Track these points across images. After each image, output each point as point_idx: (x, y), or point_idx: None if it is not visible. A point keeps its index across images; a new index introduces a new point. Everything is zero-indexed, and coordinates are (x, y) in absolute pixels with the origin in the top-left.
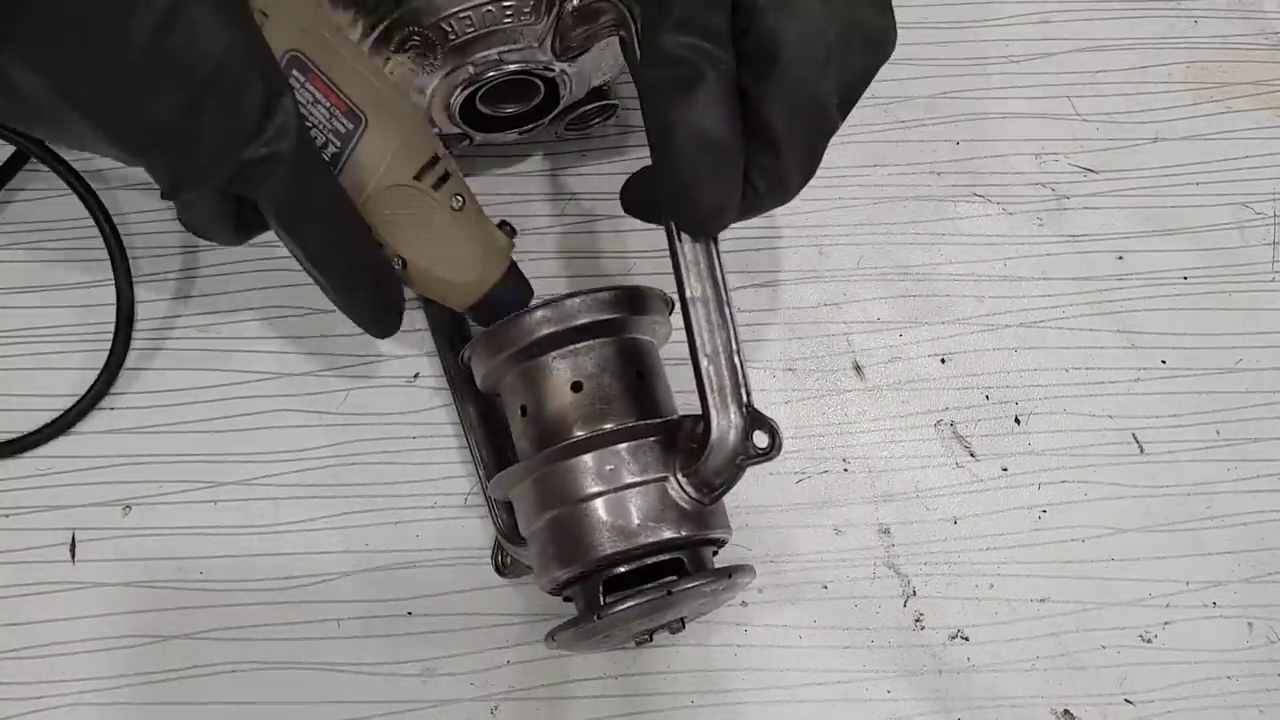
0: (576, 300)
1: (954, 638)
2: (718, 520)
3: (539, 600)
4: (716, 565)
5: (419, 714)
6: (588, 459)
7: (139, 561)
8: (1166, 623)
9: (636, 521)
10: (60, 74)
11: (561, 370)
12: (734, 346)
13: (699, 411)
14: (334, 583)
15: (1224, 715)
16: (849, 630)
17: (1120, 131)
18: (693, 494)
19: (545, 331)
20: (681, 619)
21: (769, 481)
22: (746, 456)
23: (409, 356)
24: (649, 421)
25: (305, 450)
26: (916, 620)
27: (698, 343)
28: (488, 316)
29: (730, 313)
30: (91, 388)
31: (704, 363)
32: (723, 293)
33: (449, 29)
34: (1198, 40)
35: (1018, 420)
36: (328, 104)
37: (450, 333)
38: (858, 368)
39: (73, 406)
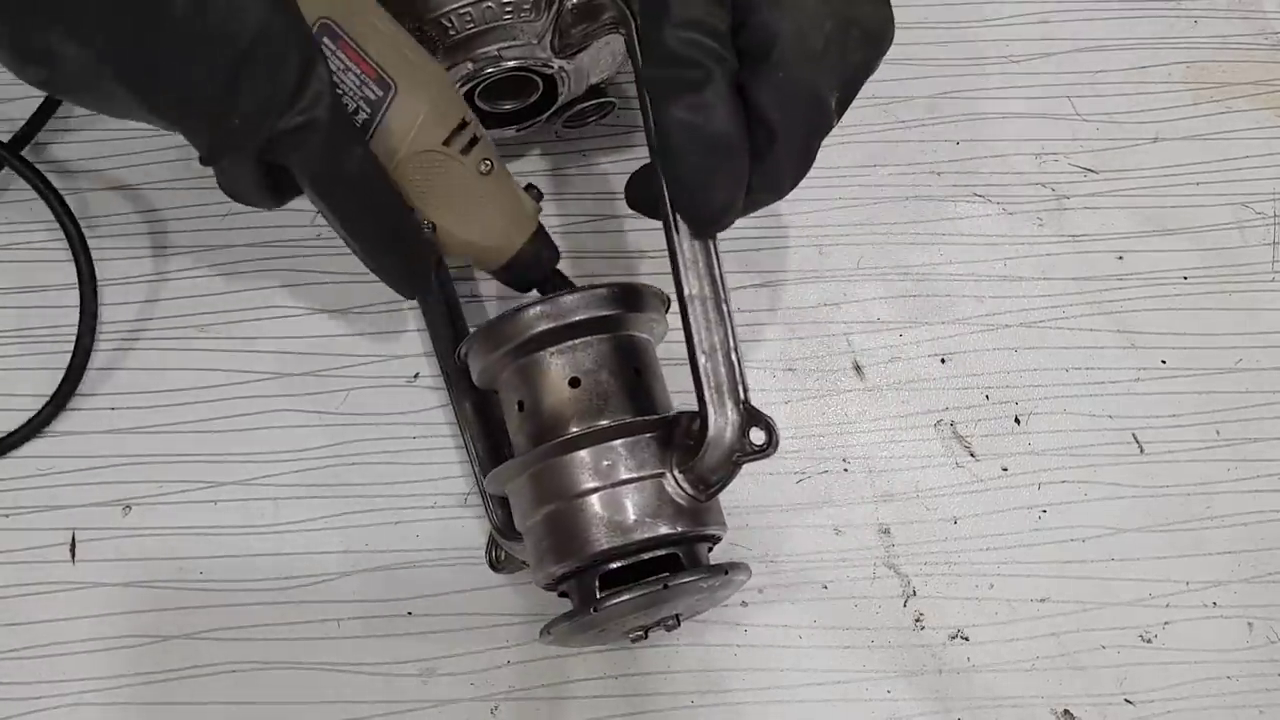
0: (575, 297)
1: (954, 638)
2: (713, 517)
3: (539, 600)
4: (712, 563)
5: (419, 714)
6: (585, 454)
7: (139, 561)
8: (1166, 623)
9: (633, 517)
10: (102, 46)
11: (559, 366)
12: (731, 344)
13: (694, 409)
14: (334, 583)
15: (1224, 715)
16: (849, 630)
17: (1120, 131)
18: (689, 490)
19: (543, 327)
20: (676, 616)
21: (769, 481)
22: (743, 453)
23: (409, 356)
24: (646, 418)
25: (305, 450)
26: (916, 620)
27: (696, 340)
28: (515, 278)
29: (728, 311)
30: (59, 389)
31: (702, 360)
32: (721, 291)
33: (449, 24)
34: (1198, 40)
35: (1018, 420)
36: (358, 71)
37: (448, 330)
38: (858, 368)
39: (41, 409)
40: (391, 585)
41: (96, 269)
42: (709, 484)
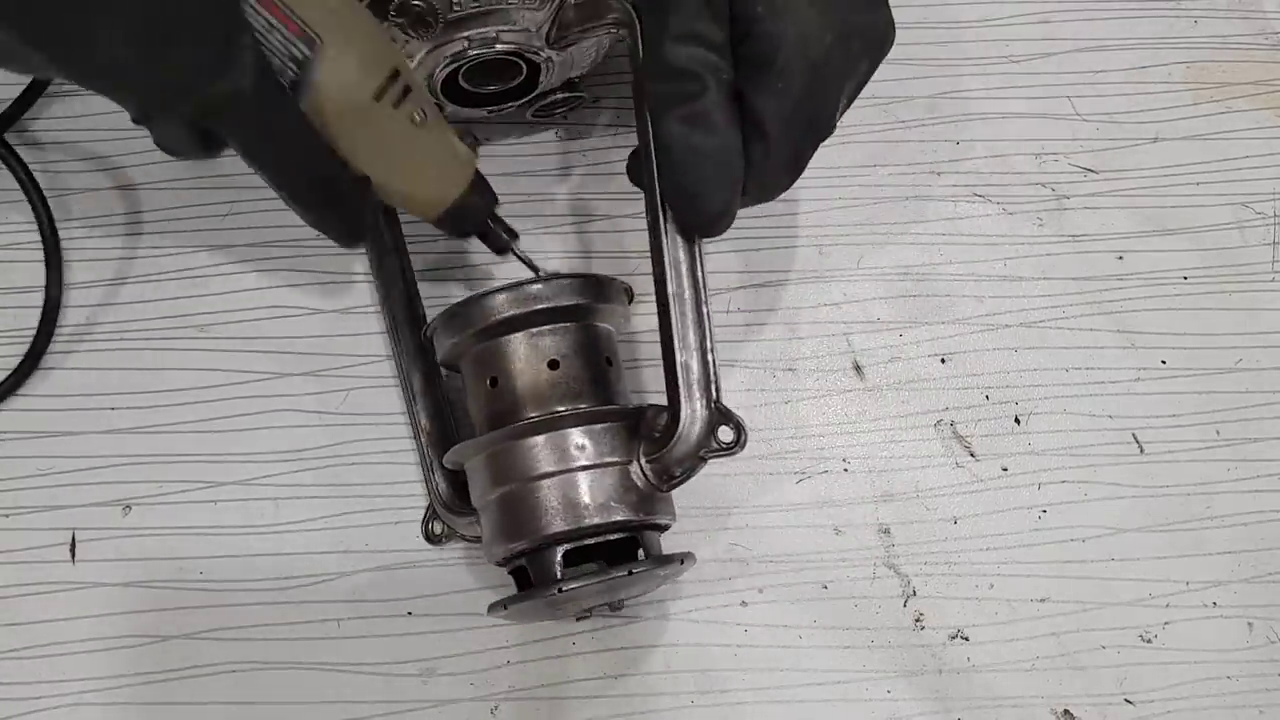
0: (562, 282)
1: (954, 638)
2: (667, 507)
3: None
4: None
5: (419, 714)
6: (561, 435)
7: (139, 561)
8: (1166, 623)
9: (596, 501)
10: (19, 21)
11: (541, 347)
12: (709, 344)
13: (659, 403)
14: (334, 583)
15: (1224, 715)
16: (849, 630)
17: (1120, 131)
18: (652, 480)
19: (531, 307)
20: (622, 600)
21: (769, 481)
22: (710, 449)
23: None
24: (622, 406)
25: (305, 450)
26: (916, 620)
27: (675, 337)
28: (453, 227)
29: (707, 312)
30: (4, 383)
31: (679, 357)
32: (702, 292)
33: (456, 1)
34: (1198, 40)
35: (1018, 420)
36: (283, 29)
37: (403, 299)
38: (858, 368)
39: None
40: (391, 585)
41: (98, 268)
42: (672, 476)
